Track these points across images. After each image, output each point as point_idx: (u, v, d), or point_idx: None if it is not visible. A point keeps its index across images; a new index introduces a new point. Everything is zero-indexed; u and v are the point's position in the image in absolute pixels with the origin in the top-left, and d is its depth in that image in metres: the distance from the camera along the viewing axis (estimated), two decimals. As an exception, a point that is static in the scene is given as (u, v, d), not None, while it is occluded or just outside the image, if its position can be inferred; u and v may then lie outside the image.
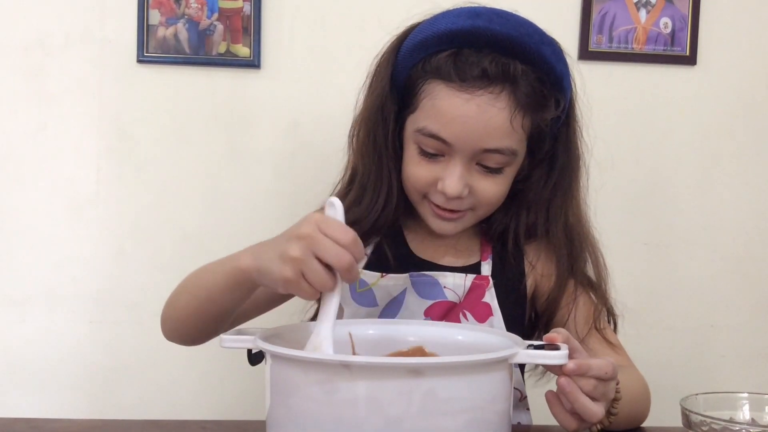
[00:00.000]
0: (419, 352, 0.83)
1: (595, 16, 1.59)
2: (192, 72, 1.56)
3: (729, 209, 1.66)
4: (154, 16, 1.53)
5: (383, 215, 1.02)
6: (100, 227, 1.57)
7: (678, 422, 0.83)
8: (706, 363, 1.67)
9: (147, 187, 1.57)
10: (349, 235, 0.71)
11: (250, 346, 0.74)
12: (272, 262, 0.74)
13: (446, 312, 1.04)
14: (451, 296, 1.04)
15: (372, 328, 0.86)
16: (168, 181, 1.57)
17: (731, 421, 0.80)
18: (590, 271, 1.09)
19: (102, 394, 1.58)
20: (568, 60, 1.01)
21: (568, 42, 1.60)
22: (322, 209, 0.83)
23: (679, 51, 1.61)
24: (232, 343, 0.74)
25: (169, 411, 1.57)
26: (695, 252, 1.66)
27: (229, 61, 1.55)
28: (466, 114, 0.92)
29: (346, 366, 0.63)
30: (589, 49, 1.60)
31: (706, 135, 1.65)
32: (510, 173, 1.00)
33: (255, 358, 0.78)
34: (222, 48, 1.55)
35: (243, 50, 1.55)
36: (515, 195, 1.05)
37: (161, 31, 1.53)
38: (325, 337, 0.73)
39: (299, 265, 0.71)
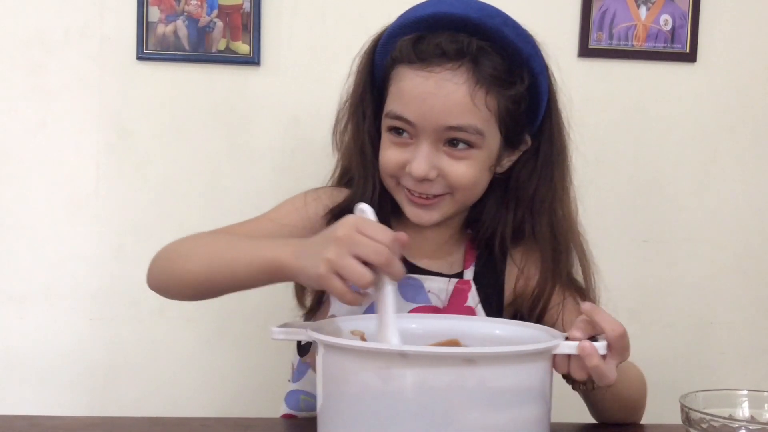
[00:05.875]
0: (454, 344, 0.86)
1: (595, 13, 1.59)
2: (191, 69, 1.55)
3: (728, 206, 1.66)
4: (154, 13, 1.53)
5: (373, 203, 1.02)
6: (99, 224, 1.57)
7: (677, 419, 0.83)
8: (706, 360, 1.67)
9: (147, 184, 1.57)
10: (388, 234, 0.74)
11: (302, 338, 0.77)
12: (308, 260, 0.78)
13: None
14: (434, 300, 1.04)
15: (415, 323, 0.89)
16: (168, 178, 1.57)
17: (730, 418, 0.80)
18: (578, 271, 1.08)
19: (102, 391, 1.58)
20: (546, 50, 1.03)
21: (568, 39, 1.60)
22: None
23: (679, 48, 1.61)
24: (284, 335, 0.79)
25: (169, 408, 1.58)
26: (695, 249, 1.66)
27: (228, 58, 1.55)
28: (426, 91, 0.94)
29: (403, 355, 0.66)
30: (589, 47, 1.59)
31: (705, 132, 1.65)
32: (481, 157, 0.98)
33: (304, 349, 0.83)
34: (222, 45, 1.55)
35: (243, 47, 1.55)
36: (505, 196, 1.05)
37: (161, 28, 1.53)
38: (393, 332, 0.76)
39: (333, 264, 0.74)
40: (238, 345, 1.58)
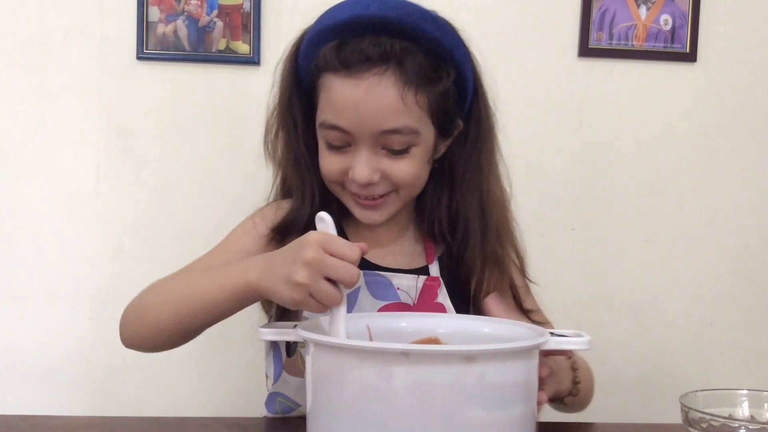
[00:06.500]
0: (434, 341, 0.86)
1: (595, 13, 1.59)
2: (191, 69, 1.55)
3: (728, 206, 1.66)
4: (154, 13, 1.53)
5: (311, 216, 1.02)
6: (99, 224, 1.57)
7: (677, 419, 0.83)
8: (706, 360, 1.67)
9: (146, 183, 1.57)
10: (355, 251, 0.75)
11: (291, 338, 0.77)
12: (280, 285, 0.78)
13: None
14: (404, 297, 1.04)
15: (404, 321, 0.90)
16: (167, 178, 1.57)
17: (730, 418, 0.80)
18: (512, 253, 1.10)
19: (102, 391, 1.58)
20: (469, 40, 1.01)
21: (568, 39, 1.60)
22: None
23: (679, 48, 1.61)
24: (272, 336, 0.78)
25: (168, 408, 1.58)
26: (695, 249, 1.66)
27: (228, 57, 1.55)
28: (357, 99, 0.93)
29: (405, 354, 0.67)
30: (589, 46, 1.59)
31: (705, 132, 1.65)
32: (420, 153, 0.99)
33: (292, 349, 0.83)
34: (221, 45, 1.55)
35: (243, 47, 1.55)
36: (440, 180, 1.05)
37: (161, 28, 1.53)
38: (343, 332, 0.77)
39: (307, 288, 0.75)
40: (237, 345, 1.58)
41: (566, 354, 0.95)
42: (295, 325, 0.78)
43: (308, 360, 0.74)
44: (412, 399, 0.67)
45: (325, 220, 0.78)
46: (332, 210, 0.99)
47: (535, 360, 0.74)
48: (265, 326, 0.79)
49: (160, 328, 0.95)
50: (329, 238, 0.76)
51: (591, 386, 1.05)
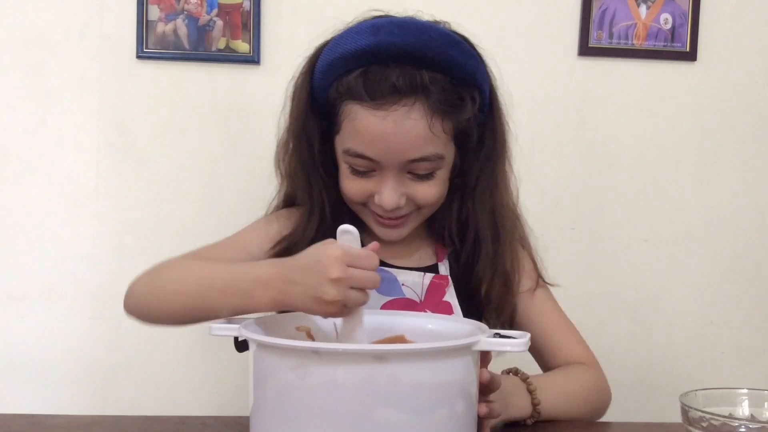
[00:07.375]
0: (400, 339, 0.86)
1: (595, 12, 1.59)
2: (191, 68, 1.55)
3: (729, 205, 1.66)
4: (154, 12, 1.53)
5: (319, 235, 1.02)
6: (99, 223, 1.57)
7: (677, 418, 0.83)
8: (706, 359, 1.67)
9: (146, 182, 1.57)
10: (374, 260, 0.78)
11: (236, 334, 0.78)
12: (309, 302, 0.78)
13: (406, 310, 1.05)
14: (409, 294, 1.05)
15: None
16: (167, 177, 1.57)
17: (730, 417, 0.80)
18: (529, 261, 1.11)
19: (102, 390, 1.58)
20: (483, 51, 1.02)
21: (568, 38, 1.60)
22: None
23: (679, 47, 1.61)
24: (221, 331, 0.79)
25: (169, 407, 1.58)
26: (695, 248, 1.66)
27: (228, 56, 1.55)
28: (385, 131, 0.94)
29: (316, 352, 0.67)
30: (589, 45, 1.59)
31: (706, 131, 1.65)
32: (443, 174, 1.01)
33: (241, 345, 0.83)
34: (221, 44, 1.55)
35: (242, 46, 1.55)
36: (453, 189, 1.06)
37: (160, 27, 1.53)
38: (363, 333, 0.79)
39: (340, 303, 0.77)
40: (238, 344, 1.58)
41: (518, 372, 0.96)
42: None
43: (250, 357, 0.75)
44: (325, 397, 0.67)
45: (351, 233, 0.78)
46: (345, 220, 1.01)
47: (465, 360, 0.71)
48: (216, 322, 0.80)
49: (169, 313, 0.96)
50: (348, 252, 0.76)
51: (575, 403, 1.02)
